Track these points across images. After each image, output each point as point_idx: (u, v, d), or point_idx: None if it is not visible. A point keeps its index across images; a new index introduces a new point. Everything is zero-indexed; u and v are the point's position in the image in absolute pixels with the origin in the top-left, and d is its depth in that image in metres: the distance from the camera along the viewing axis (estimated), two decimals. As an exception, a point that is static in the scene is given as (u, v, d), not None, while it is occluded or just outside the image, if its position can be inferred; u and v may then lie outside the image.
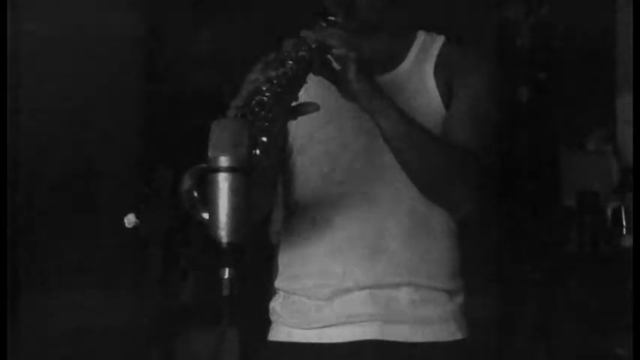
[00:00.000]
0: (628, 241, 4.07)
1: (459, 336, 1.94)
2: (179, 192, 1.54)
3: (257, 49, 1.84)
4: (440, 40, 1.98)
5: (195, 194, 1.53)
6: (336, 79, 1.77)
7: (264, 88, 1.64)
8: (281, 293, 1.99)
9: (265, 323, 2.02)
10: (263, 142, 1.58)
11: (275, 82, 1.65)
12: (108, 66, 3.98)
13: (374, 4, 1.90)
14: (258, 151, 1.55)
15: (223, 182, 1.48)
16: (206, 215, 1.50)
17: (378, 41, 1.95)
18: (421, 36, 1.98)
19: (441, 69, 1.94)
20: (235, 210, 1.48)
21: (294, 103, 1.71)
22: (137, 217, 3.70)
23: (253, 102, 1.62)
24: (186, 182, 1.54)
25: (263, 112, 1.61)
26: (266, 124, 1.60)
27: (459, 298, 1.96)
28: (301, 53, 1.71)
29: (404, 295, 1.90)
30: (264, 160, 1.58)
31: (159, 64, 4.20)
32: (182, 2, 4.27)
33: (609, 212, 4.21)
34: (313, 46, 1.72)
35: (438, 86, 1.93)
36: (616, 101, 4.56)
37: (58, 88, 3.91)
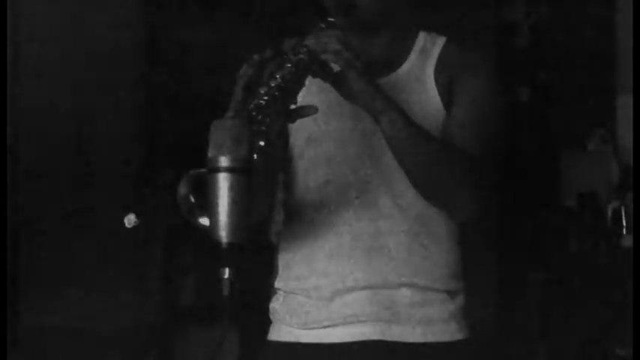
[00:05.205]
0: (628, 241, 4.07)
1: (459, 336, 1.94)
2: (177, 197, 1.53)
3: (257, 49, 1.83)
4: (441, 40, 1.97)
5: (193, 199, 1.53)
6: (336, 81, 1.77)
7: (262, 92, 1.64)
8: (281, 293, 1.99)
9: (265, 323, 2.02)
10: (261, 146, 1.57)
11: (273, 85, 1.65)
12: (108, 66, 3.98)
13: (374, 5, 1.89)
14: (255, 156, 1.55)
15: (223, 182, 1.48)
16: (203, 220, 1.50)
17: (379, 42, 1.94)
18: (422, 37, 1.97)
19: (442, 70, 1.93)
20: (235, 210, 1.48)
21: (292, 107, 1.70)
22: (137, 217, 3.70)
23: (251, 106, 1.62)
24: (183, 188, 1.54)
25: (261, 117, 1.60)
26: (263, 128, 1.59)
27: (460, 299, 1.95)
28: (300, 56, 1.70)
29: (404, 295, 1.90)
30: (263, 165, 1.57)
31: (159, 64, 4.20)
32: (183, 2, 4.26)
33: (609, 212, 4.20)
34: (312, 48, 1.72)
35: (439, 88, 1.92)
36: (616, 101, 4.56)
37: (58, 87, 3.91)
